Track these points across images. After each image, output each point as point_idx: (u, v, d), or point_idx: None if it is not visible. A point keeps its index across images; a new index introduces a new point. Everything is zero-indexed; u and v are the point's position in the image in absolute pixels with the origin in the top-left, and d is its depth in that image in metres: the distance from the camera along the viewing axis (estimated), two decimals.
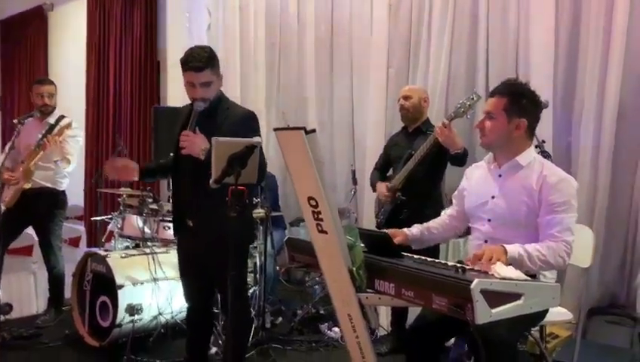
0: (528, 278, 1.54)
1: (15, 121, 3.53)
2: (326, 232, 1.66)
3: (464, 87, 3.40)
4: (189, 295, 2.55)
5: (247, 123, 2.36)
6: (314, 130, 1.57)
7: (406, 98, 3.08)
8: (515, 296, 1.46)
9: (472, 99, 2.68)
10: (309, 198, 1.63)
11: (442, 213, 2.35)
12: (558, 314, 2.28)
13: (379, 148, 3.42)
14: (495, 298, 1.42)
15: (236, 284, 2.33)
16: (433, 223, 2.23)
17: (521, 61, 3.23)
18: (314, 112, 4.21)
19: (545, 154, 2.44)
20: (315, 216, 1.65)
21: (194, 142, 2.24)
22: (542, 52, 3.11)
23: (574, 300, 2.91)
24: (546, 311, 1.87)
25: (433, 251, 2.89)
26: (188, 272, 2.52)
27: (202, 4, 5.06)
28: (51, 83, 3.68)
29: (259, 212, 3.25)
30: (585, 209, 2.88)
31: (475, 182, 2.10)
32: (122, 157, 2.48)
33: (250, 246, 3.49)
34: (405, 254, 1.87)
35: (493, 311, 1.41)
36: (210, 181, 2.10)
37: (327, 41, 4.14)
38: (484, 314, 1.39)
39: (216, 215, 2.16)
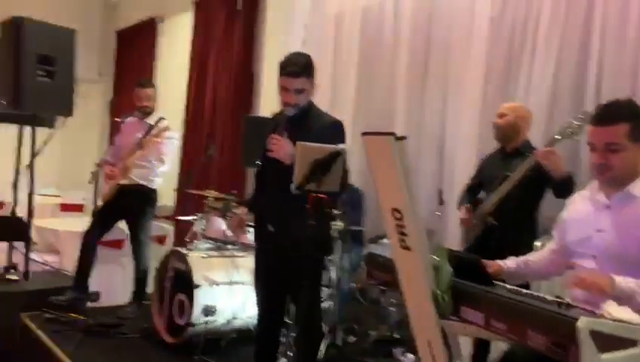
0: None
1: (118, 119, 3.76)
2: (410, 249, 1.53)
3: (570, 106, 3.11)
4: (261, 302, 2.52)
5: (335, 131, 2.33)
6: (404, 137, 1.46)
7: (501, 116, 2.88)
8: (631, 343, 1.24)
9: (582, 118, 2.43)
10: (394, 210, 1.51)
11: (535, 245, 2.13)
12: None
13: (469, 169, 3.22)
14: (606, 342, 1.21)
15: (310, 296, 2.26)
16: (532, 257, 2.02)
17: None
18: (402, 128, 4.06)
19: None
20: (399, 229, 1.52)
21: (282, 146, 2.23)
22: None
23: None
24: None
25: (524, 287, 2.65)
26: (262, 279, 2.50)
27: (299, 18, 5.14)
28: (152, 86, 3.87)
29: (337, 224, 3.17)
30: None
31: (578, 214, 1.87)
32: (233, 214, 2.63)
33: (327, 258, 3.44)
34: (497, 283, 1.70)
35: (604, 357, 1.21)
36: (292, 186, 2.07)
37: (422, 54, 4.00)
38: (591, 360, 1.19)
39: (296, 222, 2.12)
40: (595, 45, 3.07)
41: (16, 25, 3.48)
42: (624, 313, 1.31)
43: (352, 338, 3.48)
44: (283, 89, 2.33)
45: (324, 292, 3.53)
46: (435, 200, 3.56)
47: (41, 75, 3.57)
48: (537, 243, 2.65)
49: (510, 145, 2.88)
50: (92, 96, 8.40)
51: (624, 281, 1.52)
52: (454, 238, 3.43)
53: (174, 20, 7.20)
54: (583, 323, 1.19)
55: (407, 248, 1.54)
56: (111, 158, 3.77)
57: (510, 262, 1.97)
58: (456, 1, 3.79)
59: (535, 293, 1.60)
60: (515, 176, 2.66)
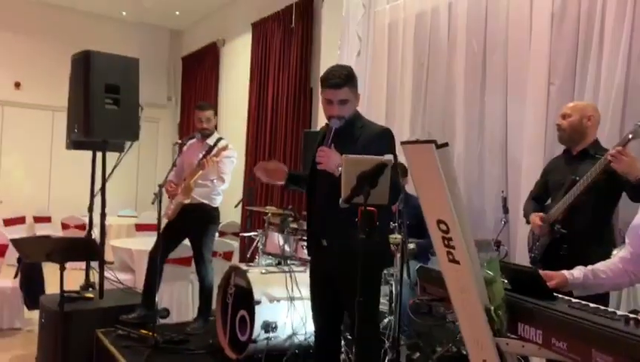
0: None
1: (179, 141, 3.91)
2: (458, 262, 1.44)
3: None
4: (317, 317, 2.49)
5: (383, 140, 2.27)
6: (446, 144, 1.39)
7: (564, 116, 2.68)
8: None
9: None
10: (439, 221, 1.44)
11: (613, 254, 1.94)
12: None
13: (536, 174, 3.03)
14: None
15: (364, 310, 2.20)
16: (602, 266, 1.84)
17: None
18: (462, 133, 3.93)
19: None
20: (446, 242, 1.44)
21: (330, 158, 2.21)
22: None
23: None
24: None
25: (602, 297, 2.44)
26: (318, 293, 2.47)
27: (353, 30, 5.14)
28: (210, 108, 3.99)
29: (395, 237, 3.08)
30: None
31: None
32: (274, 161, 2.56)
33: (387, 272, 3.36)
34: (560, 296, 1.56)
35: None
36: (340, 200, 2.04)
37: (480, 56, 3.86)
38: None
39: (347, 235, 2.09)
40: None
41: (85, 58, 3.72)
42: None
43: (416, 354, 3.35)
44: (327, 102, 2.31)
45: (386, 306, 3.45)
46: (500, 208, 3.39)
47: (109, 103, 3.79)
48: (615, 252, 2.44)
49: (577, 147, 2.68)
50: (163, 119, 8.88)
51: None
52: (521, 248, 3.25)
53: (235, 43, 7.46)
54: None
55: (455, 261, 1.46)
56: (174, 179, 3.92)
57: (577, 272, 1.81)
58: None
59: (603, 308, 1.45)
60: (584, 181, 2.47)
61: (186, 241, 3.99)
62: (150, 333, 3.35)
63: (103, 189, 3.96)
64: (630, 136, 2.36)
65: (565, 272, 1.81)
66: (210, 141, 3.94)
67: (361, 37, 5.09)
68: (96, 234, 4.06)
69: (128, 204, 8.37)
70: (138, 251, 4.79)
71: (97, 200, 4.03)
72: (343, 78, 2.27)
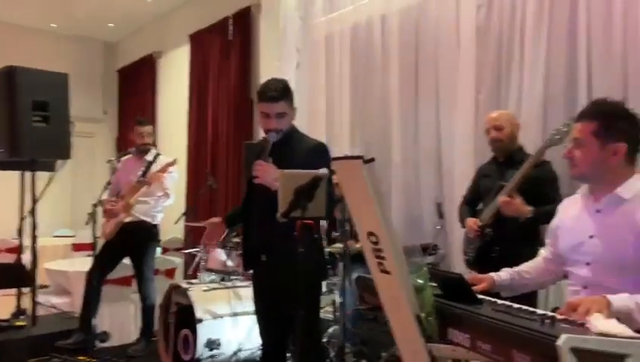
0: (637, 335, 1.24)
1: (112, 159, 3.81)
2: (389, 272, 1.49)
3: (563, 110, 3.06)
4: (263, 332, 2.49)
5: (318, 154, 2.31)
6: (372, 160, 1.43)
7: (498, 128, 2.82)
8: (618, 358, 1.18)
9: (569, 125, 2.38)
10: (369, 234, 1.48)
11: (539, 253, 2.07)
12: None
13: (467, 180, 3.17)
14: (591, 359, 1.15)
15: (305, 322, 2.22)
16: (526, 266, 1.95)
17: (630, 76, 2.83)
18: (398, 143, 4.05)
19: None
20: (376, 253, 1.49)
21: (267, 171, 2.22)
22: None
23: None
24: None
25: (529, 296, 2.58)
26: (262, 309, 2.48)
27: (292, 42, 5.19)
28: (149, 123, 3.94)
29: (337, 247, 3.13)
30: None
31: (570, 220, 1.81)
32: (208, 223, 2.53)
33: (330, 282, 3.40)
34: (487, 299, 1.64)
35: None
36: (277, 214, 2.05)
37: (412, 70, 4.00)
38: None
39: (286, 249, 2.10)
40: (582, 48, 3.03)
41: (9, 74, 3.56)
42: (611, 326, 1.25)
43: (362, 361, 3.40)
44: (264, 115, 2.33)
45: (330, 315, 3.49)
46: (435, 215, 3.52)
47: (37, 120, 3.64)
48: (542, 251, 2.59)
49: (504, 154, 2.83)
50: (99, 134, 8.56)
51: (619, 300, 1.46)
52: (457, 251, 3.38)
53: (172, 55, 7.33)
54: (562, 341, 1.13)
55: (386, 272, 1.51)
56: (110, 197, 3.81)
57: (504, 274, 1.91)
58: (441, 13, 3.80)
59: (525, 308, 1.54)
60: (509, 186, 2.61)
61: (126, 260, 3.88)
62: (89, 359, 3.22)
63: (33, 211, 3.78)
64: (548, 142, 2.53)
65: (493, 275, 1.91)
66: (149, 157, 3.87)
67: (299, 49, 5.15)
68: (27, 258, 3.88)
69: (64, 223, 8.00)
70: (75, 273, 4.59)
71: (29, 221, 3.85)
72: (279, 92, 2.30)
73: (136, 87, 7.99)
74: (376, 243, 1.48)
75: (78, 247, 6.83)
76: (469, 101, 3.53)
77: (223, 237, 2.55)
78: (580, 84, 3.04)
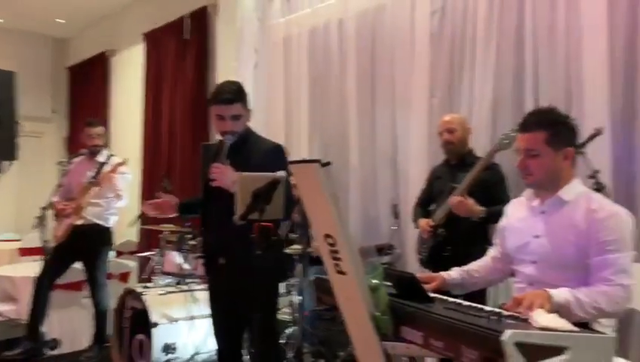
0: (575, 329, 1.33)
1: (64, 160, 3.69)
2: (345, 273, 1.53)
3: (511, 115, 3.19)
4: (218, 335, 2.48)
5: (275, 156, 2.32)
6: (329, 163, 1.47)
7: (450, 131, 2.92)
8: (558, 351, 1.26)
9: (517, 129, 2.49)
10: (326, 236, 1.52)
11: (488, 252, 2.15)
12: None
13: (421, 181, 3.26)
14: (534, 352, 1.23)
15: (263, 325, 2.23)
16: (475, 266, 2.04)
17: (573, 83, 2.99)
18: (356, 146, 4.11)
19: (599, 186, 2.21)
20: (333, 255, 1.52)
21: (224, 174, 2.22)
22: (596, 71, 2.85)
23: None
24: None
25: (480, 293, 2.68)
26: (218, 311, 2.46)
27: (249, 43, 5.17)
28: (100, 125, 3.84)
29: (295, 248, 3.16)
30: None
31: (516, 221, 1.91)
32: (164, 194, 2.52)
33: (288, 283, 3.41)
34: (438, 297, 1.70)
35: None
36: (235, 217, 2.06)
37: (369, 73, 4.06)
38: None
39: (245, 252, 2.10)
40: (529, 54, 3.17)
41: None
42: (552, 320, 1.33)
43: (320, 361, 3.44)
44: (218, 118, 2.32)
45: (288, 316, 3.50)
46: (391, 215, 3.59)
47: None
48: (490, 251, 2.70)
49: (456, 157, 2.93)
50: (48, 134, 8.24)
51: (560, 294, 1.55)
52: (412, 250, 3.46)
53: (126, 54, 7.15)
54: (507, 336, 1.20)
55: (342, 272, 1.54)
56: (61, 200, 3.69)
57: (454, 273, 1.99)
58: (396, 18, 3.88)
59: (474, 305, 1.61)
60: (460, 188, 2.70)
61: (77, 264, 3.77)
62: None
63: None
64: (497, 147, 2.64)
65: (444, 274, 1.98)
66: (101, 158, 3.77)
67: (257, 50, 5.13)
68: None
69: (9, 227, 7.65)
70: (21, 278, 4.40)
71: None
72: (233, 94, 2.30)
73: (87, 86, 7.74)
74: (332, 244, 1.51)
75: (24, 252, 6.54)
76: (424, 104, 3.62)
77: (171, 216, 2.52)
78: (527, 89, 3.17)
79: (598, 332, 1.49)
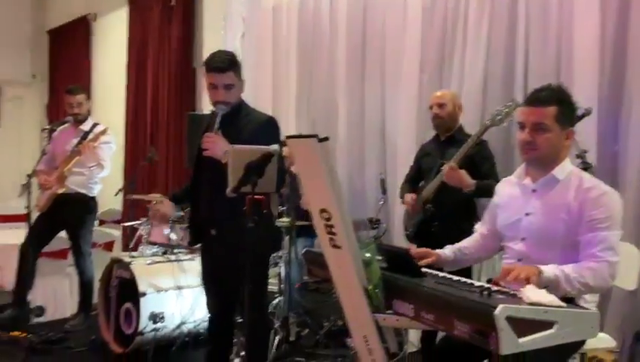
0: (563, 304, 1.38)
1: (47, 127, 3.61)
2: (339, 247, 1.55)
3: (501, 92, 3.22)
4: (210, 304, 2.51)
5: (268, 129, 2.31)
6: (327, 138, 1.47)
7: (440, 106, 2.92)
8: (547, 325, 1.31)
9: (510, 106, 2.52)
10: (321, 210, 1.53)
11: (475, 229, 2.19)
12: (601, 340, 2.08)
13: (410, 157, 3.28)
14: (523, 326, 1.27)
15: (253, 295, 2.26)
16: (466, 243, 2.08)
17: (563, 62, 3.01)
18: (344, 119, 4.10)
19: (586, 165, 2.25)
20: (328, 229, 1.54)
21: (217, 144, 2.20)
22: (586, 51, 2.88)
23: (619, 325, 2.68)
24: (583, 342, 1.69)
25: (465, 269, 2.74)
26: (209, 281, 2.49)
27: (237, 12, 5.06)
28: (81, 92, 3.74)
29: (283, 221, 3.17)
30: (632, 225, 2.64)
31: (508, 199, 1.94)
32: (160, 205, 2.47)
33: (275, 255, 3.44)
34: (429, 272, 1.74)
35: (521, 340, 1.27)
36: (227, 190, 2.05)
37: (359, 46, 4.03)
38: (510, 344, 1.25)
39: (236, 224, 2.11)
40: (520, 33, 3.18)
41: None
42: (541, 296, 1.38)
43: (305, 331, 3.50)
44: (212, 86, 2.29)
45: (275, 287, 3.55)
46: (379, 189, 3.62)
47: None
48: (476, 227, 2.75)
49: (445, 133, 2.95)
50: (27, 99, 8.02)
51: (549, 269, 1.60)
52: (399, 225, 3.50)
53: (108, 18, 6.94)
54: (499, 311, 1.24)
55: (337, 246, 1.56)
56: (45, 168, 3.63)
57: (448, 251, 2.03)
58: None
59: (464, 280, 1.65)
60: (450, 164, 2.73)
61: (62, 233, 3.74)
62: (24, 334, 3.11)
63: None
64: (488, 122, 2.66)
65: (439, 251, 2.02)
66: (85, 127, 3.70)
67: (245, 18, 5.03)
68: None
69: None
70: (3, 246, 4.36)
71: None
72: (227, 62, 2.27)
73: (68, 50, 7.51)
74: (328, 219, 1.52)
75: (4, 218, 6.46)
76: (414, 79, 3.62)
77: (171, 216, 2.51)
78: (518, 67, 3.20)
79: (583, 308, 1.54)
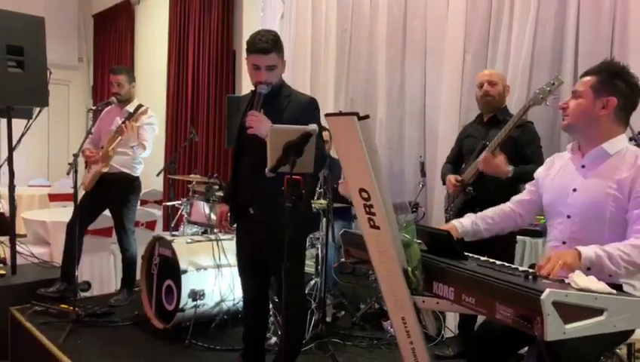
0: (613, 291, 1.31)
1: (93, 108, 3.69)
2: (378, 228, 1.52)
3: (549, 71, 3.08)
4: (245, 284, 2.54)
5: (309, 110, 2.29)
6: (367, 116, 1.44)
7: (491, 84, 2.81)
8: (596, 312, 1.25)
9: (553, 84, 2.41)
10: (361, 190, 1.50)
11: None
12: None
13: (451, 139, 3.20)
14: (571, 312, 1.22)
15: (290, 276, 2.27)
16: (490, 212, 2.01)
17: (617, 39, 2.85)
18: (384, 99, 4.03)
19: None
20: (367, 209, 1.52)
21: (261, 122, 2.19)
22: None
23: None
24: (632, 331, 1.61)
25: (507, 253, 2.66)
26: (245, 261, 2.51)
27: None
28: (122, 72, 3.77)
29: (320, 202, 3.16)
30: None
31: (555, 174, 1.87)
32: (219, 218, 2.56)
33: (313, 236, 3.45)
34: (470, 255, 1.70)
35: (568, 327, 1.21)
36: (266, 169, 2.05)
37: (400, 24, 3.94)
38: (556, 330, 1.20)
39: (274, 204, 2.11)
40: (572, 10, 3.02)
41: None
42: (591, 282, 1.32)
43: (341, 313, 3.51)
44: (254, 67, 2.27)
45: (313, 269, 3.56)
46: (418, 172, 3.56)
47: (12, 65, 3.49)
48: (516, 197, 2.66)
49: (489, 114, 2.85)
50: (74, 82, 8.30)
51: (590, 251, 1.53)
52: (438, 209, 3.44)
53: (151, 2, 7.05)
54: (546, 295, 1.19)
55: (376, 227, 1.54)
56: (91, 147, 3.73)
57: (466, 221, 1.96)
58: None
59: (507, 265, 1.60)
60: (492, 145, 2.64)
61: (107, 211, 3.85)
62: (71, 308, 3.24)
63: (10, 159, 3.69)
64: (530, 102, 2.55)
65: (455, 222, 1.96)
66: (130, 108, 3.77)
67: (284, 0, 5.00)
68: (5, 206, 3.81)
69: (40, 172, 7.85)
70: (53, 223, 4.55)
71: (5, 170, 3.76)
72: (270, 44, 2.24)
73: (112, 34, 7.71)
74: (367, 199, 1.50)
75: (54, 198, 6.73)
76: (457, 59, 3.51)
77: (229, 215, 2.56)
78: (567, 46, 3.05)
79: (634, 296, 1.47)
